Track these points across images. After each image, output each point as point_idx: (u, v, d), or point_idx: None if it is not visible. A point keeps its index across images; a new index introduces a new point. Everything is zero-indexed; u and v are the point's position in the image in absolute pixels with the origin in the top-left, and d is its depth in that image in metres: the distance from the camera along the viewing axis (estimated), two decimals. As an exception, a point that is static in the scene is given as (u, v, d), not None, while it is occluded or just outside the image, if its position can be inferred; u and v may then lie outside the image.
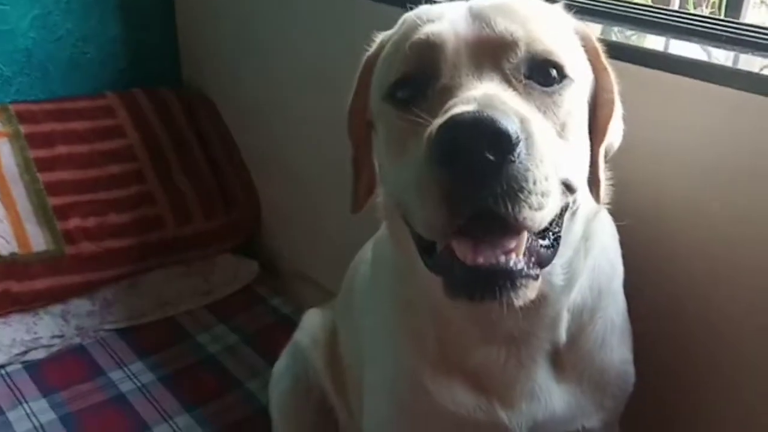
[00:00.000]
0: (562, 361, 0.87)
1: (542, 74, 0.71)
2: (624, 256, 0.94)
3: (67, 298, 1.71)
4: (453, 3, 0.79)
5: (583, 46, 0.80)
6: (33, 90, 1.85)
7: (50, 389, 1.55)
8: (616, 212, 0.91)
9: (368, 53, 0.85)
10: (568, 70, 0.73)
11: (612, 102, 0.80)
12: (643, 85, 1.00)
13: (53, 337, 1.66)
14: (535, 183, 0.63)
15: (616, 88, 0.80)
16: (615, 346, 0.90)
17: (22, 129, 1.75)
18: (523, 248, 0.67)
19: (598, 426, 0.92)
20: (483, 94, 0.66)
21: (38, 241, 1.67)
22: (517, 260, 0.66)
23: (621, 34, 1.11)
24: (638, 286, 0.97)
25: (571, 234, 0.79)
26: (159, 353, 1.68)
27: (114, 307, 1.77)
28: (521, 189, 0.62)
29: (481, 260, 0.65)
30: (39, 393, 1.54)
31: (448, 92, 0.69)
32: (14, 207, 1.68)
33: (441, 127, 0.62)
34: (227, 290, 1.90)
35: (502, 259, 0.65)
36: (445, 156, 0.61)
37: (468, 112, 0.61)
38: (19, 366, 1.61)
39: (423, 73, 0.72)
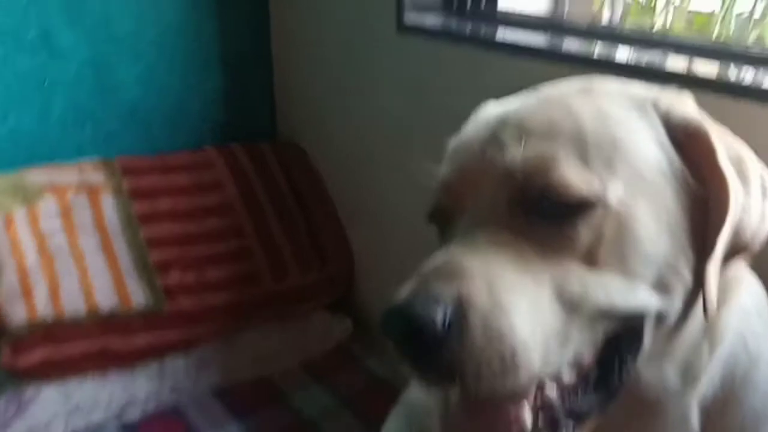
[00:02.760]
0: None
1: (544, 206, 0.64)
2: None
3: (163, 355, 1.68)
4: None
5: (691, 143, 0.68)
6: (137, 144, 1.86)
7: (149, 452, 1.51)
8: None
9: None
10: (589, 193, 0.64)
11: (724, 213, 0.67)
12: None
13: (149, 395, 1.63)
14: (481, 363, 0.59)
15: (732, 197, 0.67)
16: None
17: (125, 183, 1.76)
18: (526, 414, 0.64)
19: None
20: (440, 263, 0.63)
21: (138, 296, 1.65)
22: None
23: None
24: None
25: (679, 340, 0.72)
26: (255, 415, 1.63)
27: (210, 365, 1.73)
28: (467, 371, 0.59)
29: None
30: (137, 454, 1.50)
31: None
32: (116, 262, 1.67)
33: (382, 315, 0.62)
34: (321, 348, 1.84)
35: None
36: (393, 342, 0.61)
37: (393, 307, 0.60)
38: (116, 426, 1.58)
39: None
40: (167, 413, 1.62)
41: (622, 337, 0.68)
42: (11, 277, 1.55)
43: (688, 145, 0.68)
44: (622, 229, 0.65)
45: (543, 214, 0.64)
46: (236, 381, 1.72)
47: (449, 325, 0.58)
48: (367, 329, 1.93)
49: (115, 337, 1.60)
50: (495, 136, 0.68)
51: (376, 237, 1.86)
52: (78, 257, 1.63)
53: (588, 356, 0.67)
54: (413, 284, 0.62)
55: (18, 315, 1.52)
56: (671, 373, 0.73)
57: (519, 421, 0.64)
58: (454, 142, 0.75)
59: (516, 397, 0.64)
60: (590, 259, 0.64)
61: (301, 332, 1.85)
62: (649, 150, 0.67)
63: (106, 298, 1.61)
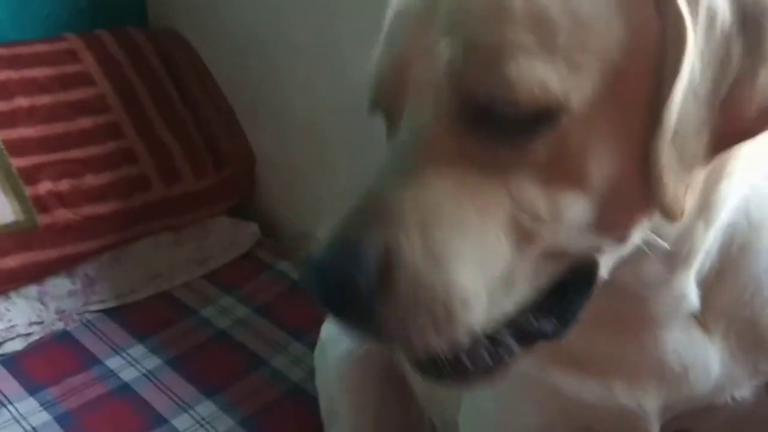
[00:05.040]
0: (701, 315, 0.69)
1: (494, 114, 0.50)
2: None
3: (42, 277, 1.44)
4: None
5: None
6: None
7: (37, 386, 1.29)
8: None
9: None
10: (550, 96, 0.49)
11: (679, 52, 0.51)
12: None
13: (31, 324, 1.40)
14: (409, 324, 0.51)
15: (689, 30, 0.50)
16: None
17: (-30, 79, 1.46)
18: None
19: (751, 394, 0.73)
20: (368, 200, 0.53)
21: (4, 211, 1.39)
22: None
23: None
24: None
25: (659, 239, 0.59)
26: (160, 333, 1.43)
27: (98, 284, 1.51)
28: (394, 332, 0.52)
29: None
30: (24, 391, 1.28)
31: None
32: (-29, 173, 1.39)
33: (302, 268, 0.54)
34: (226, 257, 1.66)
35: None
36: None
37: (313, 261, 0.52)
38: (-6, 361, 1.34)
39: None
40: (56, 341, 1.39)
41: (570, 280, 0.57)
42: None
43: None
44: (589, 139, 0.51)
45: (493, 124, 0.51)
46: (132, 300, 1.52)
47: (374, 282, 0.50)
48: (274, 234, 1.76)
49: (-21, 260, 1.35)
50: (429, 16, 0.53)
51: (279, 136, 1.69)
52: None
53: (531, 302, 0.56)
54: (337, 228, 0.52)
55: None
56: (653, 269, 0.62)
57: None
58: (389, 15, 0.59)
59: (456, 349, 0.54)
60: (547, 179, 0.52)
61: (201, 242, 1.65)
62: (615, 20, 0.51)
63: (-38, 216, 1.34)
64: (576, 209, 0.53)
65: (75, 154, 1.50)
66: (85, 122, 1.54)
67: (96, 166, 1.52)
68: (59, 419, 1.23)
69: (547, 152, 0.51)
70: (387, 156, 0.55)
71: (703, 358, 0.69)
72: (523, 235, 0.52)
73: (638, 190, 0.54)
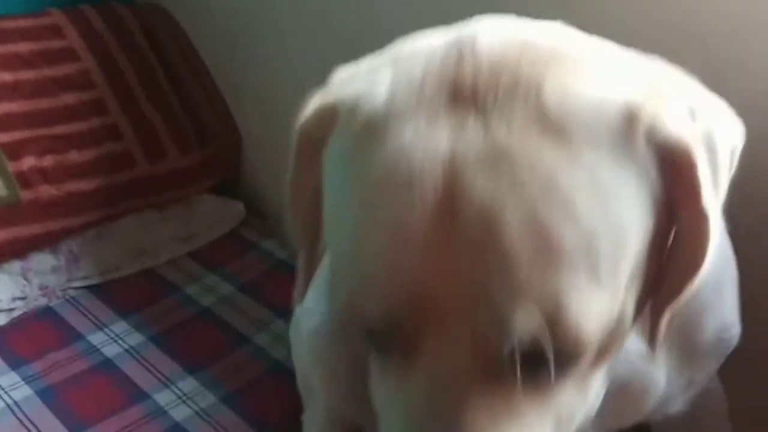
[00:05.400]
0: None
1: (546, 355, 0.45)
2: None
3: (26, 252, 1.44)
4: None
5: (673, 171, 0.48)
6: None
7: (20, 360, 1.29)
8: None
9: (305, 124, 0.57)
10: (601, 324, 0.46)
11: (695, 258, 0.50)
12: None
13: (14, 299, 1.40)
14: None
15: (711, 242, 0.49)
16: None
17: (-48, 53, 1.44)
18: None
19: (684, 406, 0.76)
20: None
21: (-13, 186, 1.39)
22: None
23: None
24: None
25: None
26: (143, 310, 1.44)
27: (81, 260, 1.51)
28: None
29: None
30: (6, 366, 1.28)
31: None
32: (-48, 147, 1.38)
33: None
34: (210, 236, 1.66)
35: None
36: None
37: None
38: (-24, 336, 1.34)
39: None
40: (38, 317, 1.40)
41: None
42: None
43: (670, 172, 0.48)
44: (619, 334, 0.50)
45: (542, 361, 0.46)
46: (116, 276, 1.52)
47: None
48: (259, 212, 1.76)
49: (-37, 235, 1.35)
50: (446, 235, 0.44)
51: (265, 116, 1.67)
52: None
53: None
54: None
55: None
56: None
57: None
58: (376, 223, 0.47)
59: None
60: (582, 380, 0.50)
61: (186, 219, 1.65)
62: (645, 226, 0.48)
63: (-56, 190, 1.34)
64: (599, 381, 0.53)
65: (59, 130, 1.50)
66: (69, 98, 1.53)
67: (80, 142, 1.51)
68: (41, 394, 1.23)
69: (587, 360, 0.48)
70: (421, 407, 0.47)
71: (655, 376, 0.69)
72: (562, 423, 0.50)
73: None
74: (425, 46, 0.51)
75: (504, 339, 0.44)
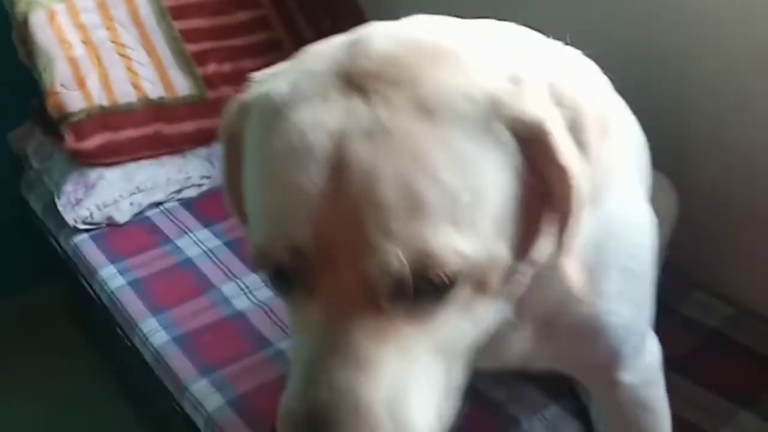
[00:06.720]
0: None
1: (422, 289, 0.56)
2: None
3: (211, 141, 1.78)
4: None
5: (533, 145, 0.57)
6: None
7: (210, 221, 1.65)
8: None
9: (226, 123, 0.69)
10: (465, 265, 0.55)
11: (568, 207, 0.58)
12: None
13: (202, 177, 1.76)
14: None
15: (575, 188, 0.57)
16: None
17: (152, -23, 1.79)
18: None
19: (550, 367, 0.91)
20: (330, 398, 0.55)
21: (182, 85, 1.74)
22: None
23: None
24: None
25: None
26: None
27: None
28: None
29: None
30: (200, 224, 1.64)
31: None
32: (156, 53, 1.74)
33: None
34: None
35: None
36: None
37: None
38: (176, 203, 1.71)
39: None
40: (220, 192, 1.73)
41: None
42: (63, 68, 1.63)
43: (530, 143, 0.57)
44: (492, 271, 0.59)
45: (420, 295, 0.56)
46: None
47: None
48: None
49: (165, 123, 1.71)
50: (336, 191, 0.54)
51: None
52: (121, 49, 1.70)
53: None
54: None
55: (76, 102, 1.62)
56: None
57: None
58: (275, 162, 0.58)
59: None
60: (465, 307, 0.59)
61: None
62: (505, 187, 0.57)
63: (153, 87, 1.70)
64: (488, 309, 0.61)
65: (235, 42, 1.82)
66: (242, 15, 1.85)
67: (251, 52, 1.83)
68: (228, 245, 1.58)
69: (463, 295, 0.57)
70: (317, 335, 0.57)
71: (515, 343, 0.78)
72: (451, 351, 0.60)
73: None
74: (327, 47, 0.62)
75: (383, 276, 0.54)
